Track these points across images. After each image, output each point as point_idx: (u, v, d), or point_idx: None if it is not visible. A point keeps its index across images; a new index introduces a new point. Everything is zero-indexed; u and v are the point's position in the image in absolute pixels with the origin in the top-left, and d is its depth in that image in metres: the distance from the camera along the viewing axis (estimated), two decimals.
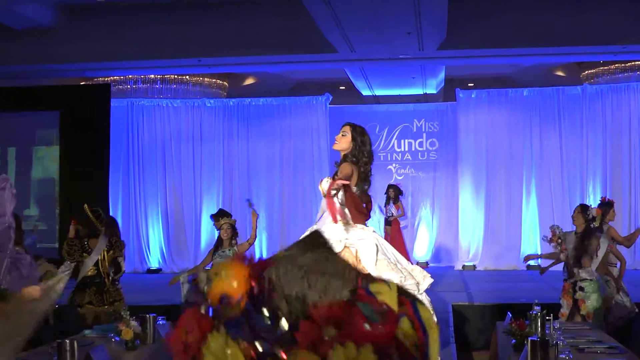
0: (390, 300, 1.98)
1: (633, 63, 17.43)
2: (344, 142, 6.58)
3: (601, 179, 17.07)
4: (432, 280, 6.45)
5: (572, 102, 17.34)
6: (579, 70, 18.44)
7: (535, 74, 18.73)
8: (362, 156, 6.51)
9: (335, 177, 6.30)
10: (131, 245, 17.38)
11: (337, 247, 6.05)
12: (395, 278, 6.03)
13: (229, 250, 10.09)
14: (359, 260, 6.20)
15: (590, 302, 8.66)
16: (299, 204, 17.81)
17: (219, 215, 10.14)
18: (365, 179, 6.54)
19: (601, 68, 17.99)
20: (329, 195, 5.95)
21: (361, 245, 6.28)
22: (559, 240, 9.08)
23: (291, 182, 18.01)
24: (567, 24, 14.10)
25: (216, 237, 10.14)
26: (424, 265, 17.53)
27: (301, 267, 1.98)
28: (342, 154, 6.60)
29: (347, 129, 6.61)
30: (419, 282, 6.34)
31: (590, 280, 8.75)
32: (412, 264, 6.86)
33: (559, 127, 17.33)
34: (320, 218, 6.58)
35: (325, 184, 6.43)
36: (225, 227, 10.12)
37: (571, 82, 18.16)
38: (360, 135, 6.57)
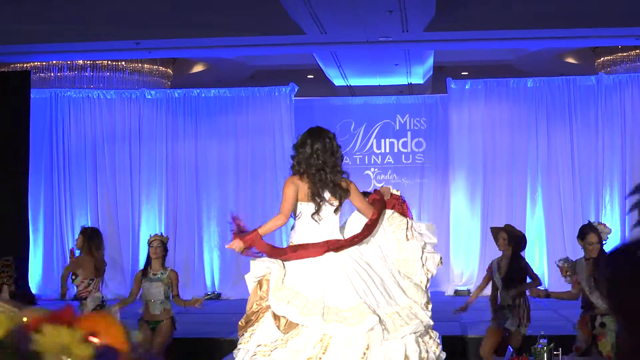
0: None
1: None
2: None
3: (619, 187, 17.14)
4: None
5: (586, 94, 17.41)
6: (593, 56, 18.52)
7: (542, 61, 18.78)
8: (300, 166, 6.61)
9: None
10: (54, 266, 17.22)
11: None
12: (294, 315, 6.15)
13: (161, 273, 9.96)
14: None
15: (611, 337, 8.26)
16: (257, 216, 17.68)
17: None
18: (317, 191, 6.56)
19: (620, 54, 18.07)
20: None
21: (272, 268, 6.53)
22: (568, 273, 9.02)
23: (248, 189, 17.91)
24: (580, 1, 14.12)
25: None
26: None
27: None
28: None
29: None
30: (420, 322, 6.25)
31: None
32: None
33: (569, 124, 17.40)
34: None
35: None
36: (155, 245, 10.00)
37: (584, 71, 18.23)
38: (300, 143, 6.67)
